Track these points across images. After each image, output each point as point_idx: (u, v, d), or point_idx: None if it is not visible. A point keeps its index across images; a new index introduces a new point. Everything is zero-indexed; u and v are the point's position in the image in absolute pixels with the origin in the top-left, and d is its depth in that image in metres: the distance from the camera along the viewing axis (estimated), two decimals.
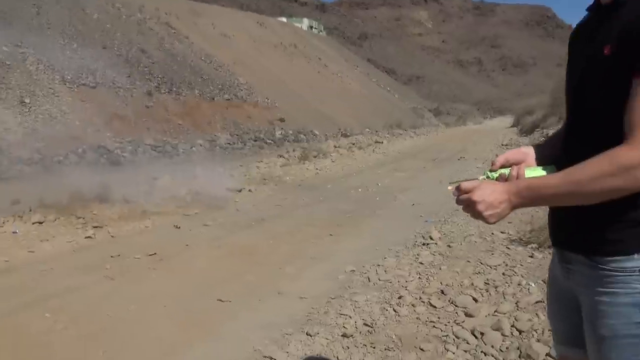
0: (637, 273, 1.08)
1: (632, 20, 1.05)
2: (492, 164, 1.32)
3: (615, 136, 1.05)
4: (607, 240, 1.11)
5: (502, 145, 17.48)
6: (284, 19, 53.24)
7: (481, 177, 1.27)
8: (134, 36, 26.11)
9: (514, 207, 1.14)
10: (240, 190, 8.80)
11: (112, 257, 5.17)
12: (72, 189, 7.27)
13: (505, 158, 1.33)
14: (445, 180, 9.58)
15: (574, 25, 1.34)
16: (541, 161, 1.32)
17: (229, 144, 23.46)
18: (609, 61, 1.09)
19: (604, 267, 1.12)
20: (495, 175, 1.27)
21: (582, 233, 1.16)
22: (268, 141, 25.47)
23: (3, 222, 6.09)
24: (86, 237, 5.85)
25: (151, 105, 22.49)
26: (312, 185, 9.76)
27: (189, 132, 22.52)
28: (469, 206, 1.15)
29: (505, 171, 1.26)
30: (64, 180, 8.37)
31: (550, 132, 14.80)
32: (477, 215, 1.14)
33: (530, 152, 1.36)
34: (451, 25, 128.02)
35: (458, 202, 1.18)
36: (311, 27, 59.71)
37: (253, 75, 32.01)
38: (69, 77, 20.33)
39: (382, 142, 19.75)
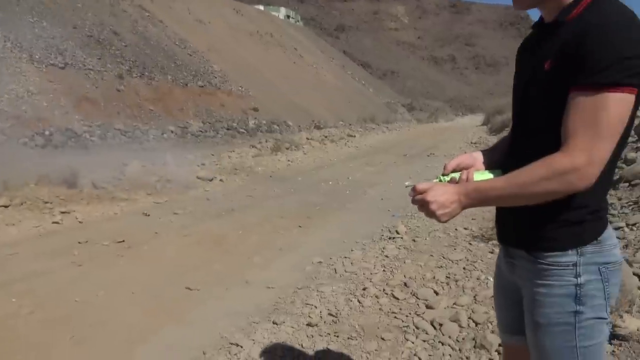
0: (571, 267, 1.22)
1: (569, 40, 1.14)
2: (444, 167, 1.43)
3: (554, 143, 1.17)
4: (545, 237, 1.24)
5: (472, 143, 17.84)
6: (261, 7, 52.73)
7: (435, 180, 1.38)
8: (106, 17, 25.50)
9: (463, 207, 1.25)
10: (211, 180, 8.81)
11: (79, 243, 5.16)
12: (39, 172, 7.18)
13: (456, 162, 1.45)
14: (415, 176, 9.80)
15: None
16: (489, 165, 1.44)
17: (201, 131, 23.23)
18: (549, 75, 1.19)
19: (542, 261, 1.25)
20: (447, 178, 1.38)
21: (523, 231, 1.29)
22: (241, 130, 25.33)
23: None
24: (53, 222, 5.80)
25: (122, 89, 22.07)
26: (283, 177, 9.82)
27: (160, 118, 22.21)
28: (423, 206, 1.26)
29: (456, 175, 1.37)
30: (30, 163, 8.22)
31: None
32: (430, 214, 1.25)
33: (479, 157, 1.49)
34: (427, 21, 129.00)
35: (413, 202, 1.28)
36: (288, 17, 59.34)
37: (228, 62, 31.69)
38: (37, 57, 19.77)
39: (355, 136, 19.90)
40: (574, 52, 1.12)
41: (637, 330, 2.63)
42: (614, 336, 2.65)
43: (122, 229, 5.72)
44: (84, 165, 7.98)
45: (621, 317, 2.86)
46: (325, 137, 17.59)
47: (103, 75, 21.91)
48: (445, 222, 1.27)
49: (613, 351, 2.55)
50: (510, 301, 1.45)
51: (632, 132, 8.80)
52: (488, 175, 1.35)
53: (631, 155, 7.44)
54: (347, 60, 61.53)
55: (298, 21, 62.60)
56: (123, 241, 5.24)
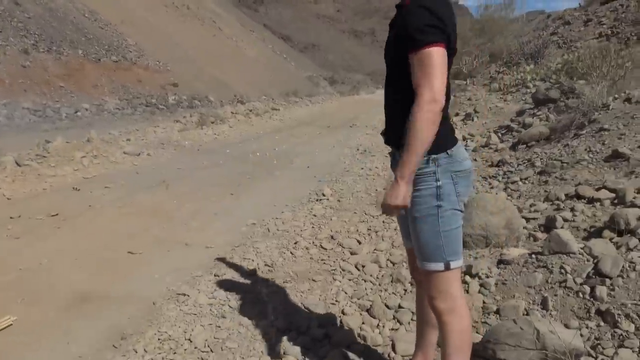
0: (432, 175, 1.75)
1: (403, 17, 1.73)
2: None
3: (400, 88, 1.74)
4: None
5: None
6: None
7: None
8: None
9: (406, 183, 1.68)
10: (138, 154, 8.84)
11: (12, 218, 5.19)
12: None
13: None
14: (338, 145, 10.31)
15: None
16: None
17: (118, 109, 22.46)
18: (395, 43, 1.78)
19: (415, 174, 1.72)
20: None
21: (395, 138, 1.84)
22: (160, 107, 24.73)
23: None
24: None
25: (28, 65, 20.83)
26: (211, 150, 9.99)
27: (72, 95, 21.24)
28: (386, 208, 1.74)
29: None
30: None
31: None
32: (391, 208, 1.72)
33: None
34: None
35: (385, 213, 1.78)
36: None
37: (143, 36, 30.57)
38: None
39: (279, 110, 20.14)
40: (404, 26, 1.67)
41: (518, 255, 3.24)
42: (501, 262, 3.25)
43: (53, 203, 5.76)
44: (3, 144, 7.78)
45: (508, 249, 3.48)
46: (250, 111, 17.72)
47: (5, 50, 20.57)
48: (405, 202, 1.68)
49: (499, 272, 3.14)
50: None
51: (530, 100, 9.75)
52: None
53: (528, 120, 8.34)
54: (268, 33, 61.01)
55: None
56: (57, 214, 5.32)
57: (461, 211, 1.81)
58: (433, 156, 1.74)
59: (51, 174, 7.03)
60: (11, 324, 2.99)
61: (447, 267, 1.79)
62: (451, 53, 1.73)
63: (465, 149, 1.92)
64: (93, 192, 6.36)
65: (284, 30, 79.58)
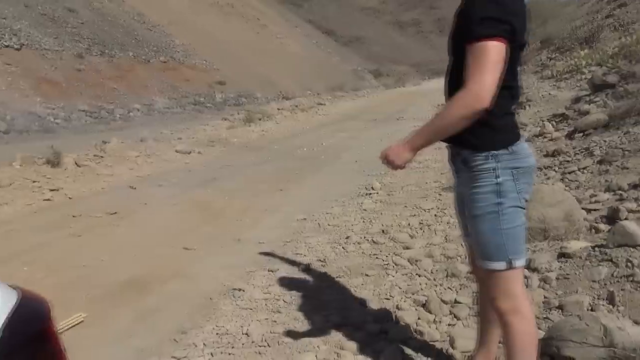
0: (492, 171, 1.68)
1: (465, 7, 1.65)
2: None
3: (460, 79, 1.64)
4: (471, 141, 1.71)
5: (438, 105, 18.33)
6: None
7: None
8: None
9: (413, 149, 1.71)
10: (189, 152, 9.06)
11: (73, 216, 5.42)
12: (21, 154, 7.31)
13: None
14: (386, 138, 10.21)
15: None
16: None
17: (167, 108, 23.09)
18: (455, 32, 1.71)
19: (473, 170, 1.72)
20: None
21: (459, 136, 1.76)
22: (208, 105, 25.25)
23: None
24: (44, 200, 6.03)
25: (82, 69, 21.67)
26: (258, 146, 10.12)
27: (124, 96, 21.98)
28: (387, 160, 1.75)
29: None
30: (5, 147, 8.33)
31: None
32: (391, 162, 1.74)
33: None
34: None
35: (382, 161, 1.79)
36: None
37: (190, 36, 31.23)
38: None
39: (324, 104, 20.17)
40: (466, 16, 1.62)
41: (579, 248, 3.12)
42: (562, 255, 3.13)
43: (111, 201, 5.99)
44: (64, 146, 8.14)
45: (569, 242, 3.35)
46: (296, 106, 17.84)
47: (61, 55, 21.48)
48: (403, 164, 1.73)
49: (560, 266, 3.03)
50: (461, 208, 1.92)
51: (585, 86, 9.37)
52: None
53: (584, 107, 8.00)
54: (312, 28, 61.11)
55: None
56: (115, 213, 5.53)
57: (523, 208, 1.74)
58: (493, 152, 1.67)
59: (108, 173, 7.31)
60: (82, 321, 3.12)
61: (510, 266, 1.71)
62: (518, 47, 1.65)
63: None
64: (147, 190, 6.57)
65: (327, 24, 79.53)
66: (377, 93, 34.98)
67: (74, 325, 3.05)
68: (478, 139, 1.68)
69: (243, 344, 2.75)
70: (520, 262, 1.74)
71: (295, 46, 44.24)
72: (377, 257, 3.81)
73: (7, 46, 19.66)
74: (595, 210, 3.96)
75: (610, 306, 2.54)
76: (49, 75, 19.87)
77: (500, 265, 1.72)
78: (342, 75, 42.31)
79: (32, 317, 1.04)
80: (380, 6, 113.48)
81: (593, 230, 3.58)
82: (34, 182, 6.49)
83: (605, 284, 2.71)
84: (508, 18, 1.55)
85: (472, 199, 1.71)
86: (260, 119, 13.90)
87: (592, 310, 2.57)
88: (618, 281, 2.68)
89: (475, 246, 1.81)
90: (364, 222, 4.75)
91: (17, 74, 18.91)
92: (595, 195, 4.24)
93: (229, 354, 2.66)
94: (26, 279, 3.78)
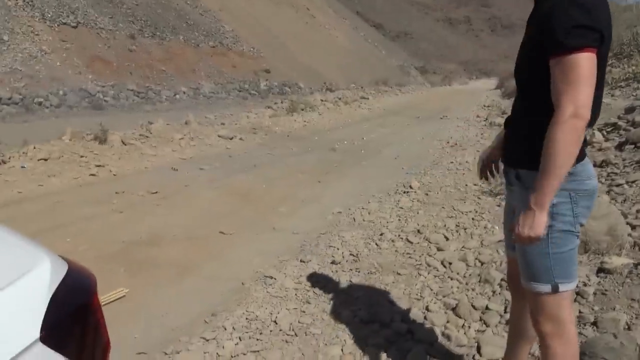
0: None
1: (544, 12, 1.46)
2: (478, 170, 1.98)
3: (535, 99, 1.53)
4: (527, 160, 1.60)
5: (485, 106, 17.99)
6: None
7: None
8: None
9: (543, 210, 1.49)
10: (231, 138, 9.19)
11: (117, 193, 5.61)
12: (70, 129, 7.59)
13: (482, 163, 1.93)
14: (428, 137, 10.09)
15: None
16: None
17: (212, 93, 23.47)
18: (531, 42, 1.54)
19: (529, 187, 1.57)
20: None
21: (515, 155, 1.68)
22: (252, 92, 25.52)
23: (9, 157, 6.43)
24: (90, 175, 6.25)
25: (134, 49, 22.23)
26: (300, 136, 10.18)
27: (172, 78, 22.44)
28: (521, 239, 1.55)
29: None
30: (56, 120, 8.66)
31: None
32: (528, 239, 1.53)
33: (496, 146, 1.91)
34: None
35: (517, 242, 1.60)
36: None
37: (239, 23, 31.55)
38: (49, 15, 19.93)
39: (368, 98, 20.08)
40: (546, 24, 1.44)
41: (621, 265, 3.02)
42: (601, 270, 3.04)
43: (154, 181, 6.15)
44: (112, 123, 8.41)
45: (610, 257, 3.25)
46: (339, 99, 17.81)
47: (115, 34, 22.08)
48: (540, 232, 1.50)
49: (599, 282, 2.95)
50: (509, 219, 1.82)
51: None
52: None
53: (639, 118, 7.69)
54: (360, 21, 60.73)
55: None
56: (157, 192, 5.68)
57: (577, 233, 1.60)
58: None
59: (152, 153, 7.50)
60: (124, 296, 3.24)
61: (556, 290, 1.59)
62: (605, 56, 1.49)
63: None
64: (189, 172, 6.71)
65: (376, 18, 78.85)
66: (422, 90, 34.55)
67: (116, 299, 3.17)
68: (535, 155, 1.51)
69: (271, 331, 2.80)
70: (568, 286, 1.62)
71: (342, 38, 44.09)
72: (410, 257, 3.80)
73: (64, 23, 20.36)
74: None
75: None
76: (102, 53, 20.49)
77: (545, 288, 1.61)
78: (387, 69, 41.95)
79: (79, 289, 1.10)
80: (431, 2, 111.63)
81: (637, 247, 3.46)
82: (81, 156, 6.74)
83: None
84: (598, 25, 1.40)
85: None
86: (303, 110, 13.97)
87: (629, 329, 2.49)
88: None
89: (520, 264, 1.70)
90: (399, 220, 4.73)
91: (71, 51, 19.57)
92: None
93: (257, 339, 2.71)
94: (69, 250, 3.94)
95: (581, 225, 1.61)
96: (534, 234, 1.50)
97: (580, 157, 1.58)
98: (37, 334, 0.92)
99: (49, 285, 1.02)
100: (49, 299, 0.99)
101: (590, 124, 1.50)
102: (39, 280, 1.02)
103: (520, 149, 1.60)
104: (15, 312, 0.94)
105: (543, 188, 1.46)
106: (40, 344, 0.92)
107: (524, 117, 1.65)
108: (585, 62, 1.38)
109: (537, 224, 1.49)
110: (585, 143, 1.63)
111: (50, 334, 0.94)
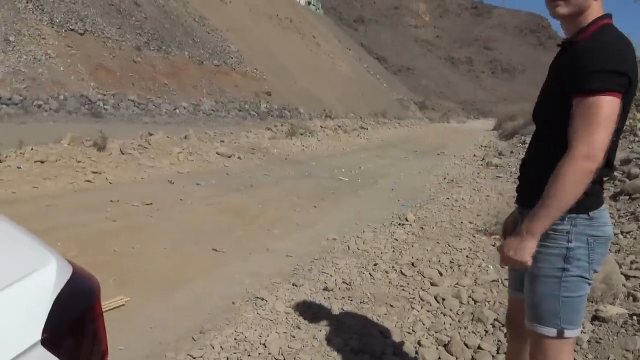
0: (565, 234, 1.55)
1: (571, 57, 1.48)
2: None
3: (552, 142, 1.53)
4: None
5: (482, 146, 18.15)
6: None
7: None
8: None
9: (533, 236, 1.52)
10: (230, 157, 9.19)
11: (112, 201, 5.56)
12: (70, 134, 7.56)
13: (506, 226, 1.91)
14: (425, 171, 10.13)
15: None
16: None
17: (213, 110, 23.58)
18: (553, 85, 1.58)
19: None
20: None
21: (530, 197, 1.62)
22: (252, 113, 25.66)
23: (6, 157, 6.38)
24: (86, 181, 6.21)
25: (139, 61, 22.37)
26: (298, 161, 10.19)
27: (174, 93, 22.55)
28: (505, 259, 1.59)
29: None
30: (54, 125, 8.64)
31: (529, 139, 15.50)
32: (512, 261, 1.57)
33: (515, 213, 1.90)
34: (448, 21, 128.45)
35: (502, 263, 1.65)
36: (309, 4, 59.30)
37: (245, 44, 31.92)
38: (57, 21, 20.07)
39: (367, 129, 20.22)
40: (572, 66, 1.45)
41: (616, 314, 3.01)
42: (596, 318, 3.02)
43: (149, 193, 6.11)
44: (112, 132, 8.39)
45: (605, 305, 3.24)
46: (339, 127, 17.93)
47: (121, 45, 22.24)
48: (527, 259, 1.53)
49: (594, 330, 2.92)
50: None
51: (638, 149, 9.11)
52: None
53: (635, 170, 7.76)
54: (364, 53, 61.63)
55: (319, 9, 62.59)
56: (151, 204, 5.64)
57: (590, 280, 1.60)
58: (572, 215, 1.53)
59: (150, 164, 7.47)
60: (124, 304, 3.17)
61: (561, 335, 1.58)
62: (629, 101, 1.49)
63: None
64: (185, 187, 6.68)
65: (380, 51, 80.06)
66: (420, 125, 34.87)
67: (115, 308, 3.11)
68: None
69: (260, 354, 2.75)
70: (573, 333, 1.60)
71: (345, 67, 44.65)
72: (403, 289, 3.76)
73: (72, 30, 20.50)
74: (635, 277, 3.82)
75: None
76: (107, 63, 20.60)
77: (550, 332, 1.59)
78: (387, 102, 42.39)
79: (83, 293, 1.07)
80: (435, 40, 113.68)
81: (631, 298, 3.45)
82: (79, 162, 6.70)
83: (639, 356, 2.61)
84: (627, 71, 1.39)
85: (536, 258, 1.57)
86: (302, 134, 14.03)
87: None
88: None
89: (528, 304, 1.67)
90: (394, 251, 4.70)
91: (76, 58, 19.66)
92: (637, 262, 4.10)
93: None
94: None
95: (595, 272, 1.60)
96: (519, 258, 1.53)
97: (599, 202, 1.59)
98: (39, 336, 0.89)
99: (53, 287, 0.99)
100: (52, 302, 0.96)
101: (609, 167, 1.51)
102: (44, 282, 0.99)
103: (535, 190, 1.57)
104: (18, 312, 0.91)
105: (539, 216, 1.49)
106: (41, 347, 0.89)
107: (540, 158, 1.63)
108: (607, 105, 1.38)
109: (524, 248, 1.52)
110: (602, 189, 1.64)
111: (52, 337, 0.91)
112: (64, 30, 20.07)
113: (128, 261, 3.97)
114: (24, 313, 0.91)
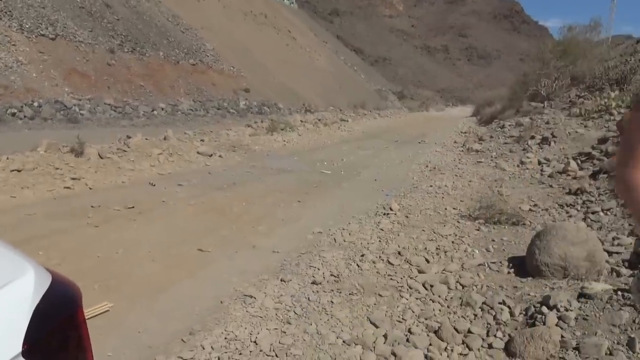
0: None
1: None
2: None
3: None
4: None
5: (462, 132, 18.28)
6: None
7: None
8: None
9: None
10: (211, 155, 9.11)
11: (92, 207, 5.47)
12: (46, 140, 7.42)
13: None
14: (407, 160, 10.17)
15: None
16: None
17: (191, 110, 23.33)
18: None
19: None
20: None
21: None
22: (231, 111, 25.46)
23: None
24: (65, 188, 6.10)
25: (113, 64, 22.01)
26: (280, 156, 10.15)
27: (150, 94, 22.25)
28: None
29: None
30: (29, 132, 8.46)
31: (507, 123, 15.64)
32: None
33: None
34: (422, 10, 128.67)
35: None
36: None
37: (220, 41, 31.62)
38: (27, 26, 19.64)
39: (347, 121, 20.22)
40: None
41: (601, 290, 3.05)
42: (582, 295, 3.06)
43: (130, 196, 6.03)
44: (89, 137, 8.24)
45: (590, 282, 3.28)
46: (319, 120, 17.90)
47: (94, 48, 21.84)
48: None
49: (580, 307, 2.96)
50: None
51: (614, 127, 9.28)
52: None
53: (611, 148, 7.90)
54: (340, 45, 61.52)
55: (293, 3, 62.22)
56: (133, 207, 5.56)
57: None
58: None
59: (130, 167, 7.37)
60: (108, 310, 3.12)
61: None
62: None
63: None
64: (167, 188, 6.60)
65: (356, 42, 79.99)
66: (399, 115, 35.00)
67: (99, 314, 3.06)
68: None
69: (251, 352, 2.73)
70: None
71: (322, 61, 44.53)
72: (391, 278, 3.77)
73: (42, 35, 20.07)
74: (617, 253, 3.89)
75: (631, 352, 2.47)
76: (80, 67, 20.22)
77: None
78: (366, 93, 42.42)
79: (63, 302, 1.04)
80: (410, 29, 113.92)
81: (614, 274, 3.51)
82: (56, 169, 6.57)
83: (625, 329, 2.65)
84: None
85: None
86: (283, 129, 13.97)
87: (610, 354, 2.50)
88: (639, 328, 2.61)
89: None
90: (380, 241, 4.71)
91: (49, 63, 19.27)
92: (618, 239, 4.17)
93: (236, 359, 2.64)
94: (41, 263, 3.80)
95: None
96: None
97: None
98: (20, 348, 0.86)
99: (32, 297, 0.96)
100: (32, 312, 0.94)
101: None
102: (22, 292, 0.96)
103: None
104: None
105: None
106: (22, 359, 0.86)
107: None
108: None
109: None
110: None
111: (33, 347, 0.89)
112: (34, 36, 19.63)
113: (112, 266, 3.91)
114: (2, 325, 0.88)
